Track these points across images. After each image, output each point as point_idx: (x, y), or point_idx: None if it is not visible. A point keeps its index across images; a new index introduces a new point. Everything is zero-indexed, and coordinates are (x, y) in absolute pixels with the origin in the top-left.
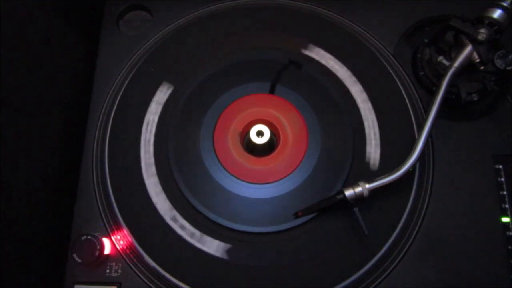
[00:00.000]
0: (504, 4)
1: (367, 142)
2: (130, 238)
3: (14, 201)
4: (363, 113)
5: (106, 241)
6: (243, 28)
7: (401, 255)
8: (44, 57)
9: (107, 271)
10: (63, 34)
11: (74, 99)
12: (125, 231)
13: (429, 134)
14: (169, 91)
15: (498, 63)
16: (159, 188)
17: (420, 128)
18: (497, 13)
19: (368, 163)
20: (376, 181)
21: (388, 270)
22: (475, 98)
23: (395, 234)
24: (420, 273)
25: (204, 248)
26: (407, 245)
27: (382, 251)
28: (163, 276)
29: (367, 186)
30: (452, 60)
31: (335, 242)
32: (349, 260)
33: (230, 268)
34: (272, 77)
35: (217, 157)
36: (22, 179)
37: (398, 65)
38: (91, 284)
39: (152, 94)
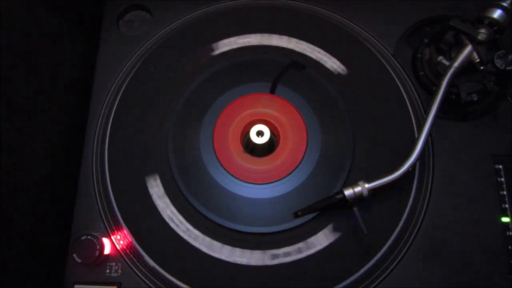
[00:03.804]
0: (504, 4)
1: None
2: (130, 238)
3: (14, 201)
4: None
5: (106, 241)
6: (243, 28)
7: (401, 255)
8: (44, 57)
9: (107, 271)
10: (63, 34)
11: (74, 99)
12: (125, 231)
13: (429, 134)
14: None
15: (498, 63)
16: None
17: (420, 128)
18: (497, 13)
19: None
20: (376, 180)
21: (388, 270)
22: (475, 98)
23: (395, 234)
24: (420, 273)
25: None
26: (407, 245)
27: (382, 251)
28: (163, 276)
29: (366, 186)
30: (452, 60)
31: (334, 242)
32: (349, 260)
33: (230, 268)
34: (272, 77)
35: (217, 157)
36: (22, 179)
37: (398, 65)
38: (91, 284)
39: (152, 94)
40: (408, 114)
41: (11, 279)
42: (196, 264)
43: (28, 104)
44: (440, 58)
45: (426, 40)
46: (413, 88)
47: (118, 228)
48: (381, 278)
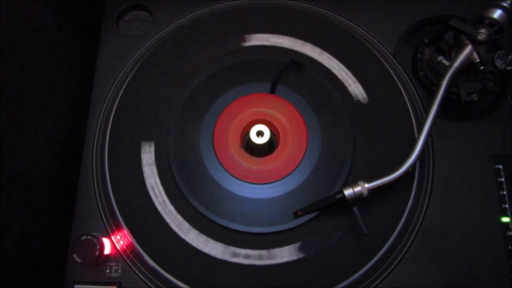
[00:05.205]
0: (504, 4)
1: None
2: (130, 238)
3: (14, 201)
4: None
5: (106, 241)
6: (243, 28)
7: (401, 255)
8: (44, 57)
9: (107, 271)
10: (63, 34)
11: (74, 99)
12: (125, 231)
13: (429, 134)
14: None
15: (498, 63)
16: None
17: (420, 128)
18: (497, 13)
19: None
20: (376, 180)
21: (388, 270)
22: (475, 98)
23: (395, 234)
24: (420, 273)
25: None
26: (407, 245)
27: (382, 251)
28: (163, 276)
29: (366, 185)
30: (452, 60)
31: (335, 242)
32: (349, 260)
33: (230, 268)
34: (272, 77)
35: (217, 157)
36: (22, 179)
37: (398, 65)
38: (91, 284)
39: (152, 94)
40: (408, 114)
41: (11, 279)
42: (196, 264)
43: (28, 104)
44: (440, 58)
45: (426, 40)
46: (413, 88)
47: (118, 228)
48: (381, 278)
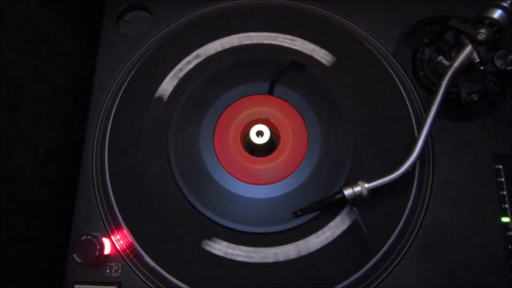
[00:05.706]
0: (504, 4)
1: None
2: (130, 238)
3: (14, 201)
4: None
5: (106, 241)
6: (243, 28)
7: (401, 255)
8: (44, 57)
9: (107, 271)
10: (63, 34)
11: (74, 99)
12: (125, 231)
13: (429, 134)
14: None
15: (498, 63)
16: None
17: (420, 128)
18: (497, 13)
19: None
20: (376, 180)
21: (388, 270)
22: (475, 98)
23: (395, 234)
24: (420, 273)
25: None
26: (407, 245)
27: (382, 251)
28: (163, 276)
29: (366, 185)
30: (452, 60)
31: (334, 242)
32: (349, 260)
33: (230, 268)
34: (273, 76)
35: (217, 157)
36: (22, 179)
37: (398, 65)
38: (91, 284)
39: (152, 94)
40: (408, 114)
41: (11, 279)
42: (196, 264)
43: (28, 104)
44: (440, 58)
45: (426, 40)
46: (413, 88)
47: (118, 228)
48: (381, 278)
